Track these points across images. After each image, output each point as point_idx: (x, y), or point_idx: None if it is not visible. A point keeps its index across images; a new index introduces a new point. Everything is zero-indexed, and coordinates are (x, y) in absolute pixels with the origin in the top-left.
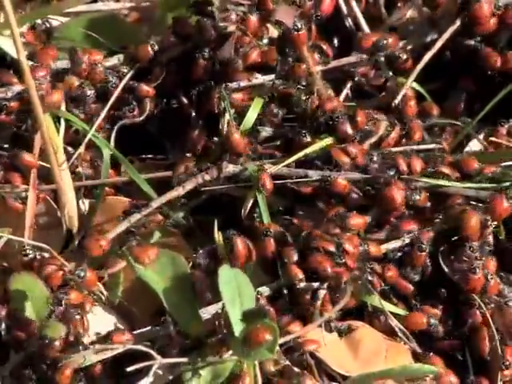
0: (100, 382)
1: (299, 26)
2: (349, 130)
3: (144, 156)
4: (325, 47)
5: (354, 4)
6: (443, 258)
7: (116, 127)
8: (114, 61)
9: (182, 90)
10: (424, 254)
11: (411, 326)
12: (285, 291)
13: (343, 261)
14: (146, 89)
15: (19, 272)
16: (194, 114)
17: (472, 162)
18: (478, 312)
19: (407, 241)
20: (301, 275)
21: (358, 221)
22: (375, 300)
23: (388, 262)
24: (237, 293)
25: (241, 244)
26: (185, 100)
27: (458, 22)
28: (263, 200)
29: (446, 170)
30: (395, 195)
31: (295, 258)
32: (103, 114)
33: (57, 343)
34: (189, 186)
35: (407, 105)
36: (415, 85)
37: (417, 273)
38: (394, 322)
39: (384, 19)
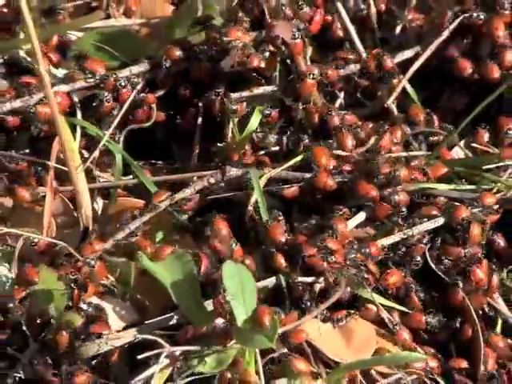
0: (118, 368)
1: (296, 36)
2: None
3: (154, 161)
4: (330, 72)
5: (347, 20)
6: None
7: (125, 131)
8: (125, 72)
9: (189, 99)
10: (424, 246)
11: (412, 324)
12: (283, 285)
13: (333, 260)
14: (151, 97)
15: (39, 267)
16: (199, 121)
17: (440, 167)
18: (459, 293)
19: (397, 239)
20: (284, 263)
21: (341, 225)
22: (368, 294)
23: (385, 262)
24: (240, 287)
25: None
26: (191, 106)
27: (443, 36)
28: (263, 202)
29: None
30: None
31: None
32: (116, 121)
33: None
34: (196, 187)
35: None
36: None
37: (416, 263)
38: (385, 314)
39: (375, 33)
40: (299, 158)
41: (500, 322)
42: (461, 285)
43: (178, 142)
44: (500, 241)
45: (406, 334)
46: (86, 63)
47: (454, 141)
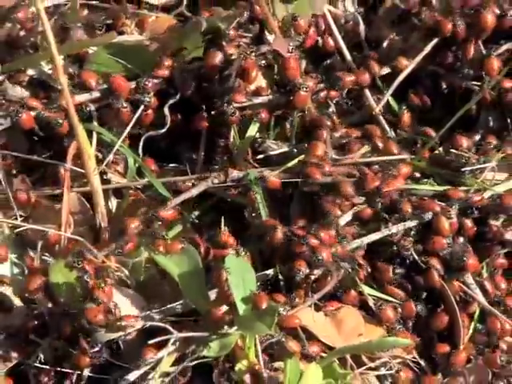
0: (135, 349)
1: (291, 50)
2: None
3: (163, 164)
4: (333, 93)
5: (338, 36)
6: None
7: (143, 138)
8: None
9: (194, 106)
10: (411, 239)
11: (404, 313)
12: (280, 277)
13: (320, 259)
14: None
15: (58, 261)
16: (204, 127)
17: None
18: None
19: (387, 233)
20: (280, 235)
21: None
22: (358, 286)
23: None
24: (241, 278)
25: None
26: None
27: (426, 50)
28: (262, 201)
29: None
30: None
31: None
32: (130, 126)
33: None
34: (201, 188)
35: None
36: (391, 99)
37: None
38: (371, 301)
39: (364, 48)
40: (296, 160)
41: (478, 311)
42: (438, 267)
43: (184, 146)
44: (469, 223)
45: (390, 312)
46: (82, 74)
47: (434, 145)
